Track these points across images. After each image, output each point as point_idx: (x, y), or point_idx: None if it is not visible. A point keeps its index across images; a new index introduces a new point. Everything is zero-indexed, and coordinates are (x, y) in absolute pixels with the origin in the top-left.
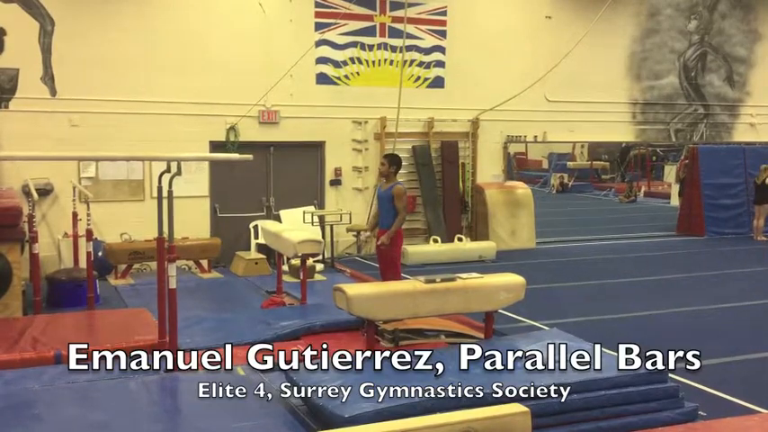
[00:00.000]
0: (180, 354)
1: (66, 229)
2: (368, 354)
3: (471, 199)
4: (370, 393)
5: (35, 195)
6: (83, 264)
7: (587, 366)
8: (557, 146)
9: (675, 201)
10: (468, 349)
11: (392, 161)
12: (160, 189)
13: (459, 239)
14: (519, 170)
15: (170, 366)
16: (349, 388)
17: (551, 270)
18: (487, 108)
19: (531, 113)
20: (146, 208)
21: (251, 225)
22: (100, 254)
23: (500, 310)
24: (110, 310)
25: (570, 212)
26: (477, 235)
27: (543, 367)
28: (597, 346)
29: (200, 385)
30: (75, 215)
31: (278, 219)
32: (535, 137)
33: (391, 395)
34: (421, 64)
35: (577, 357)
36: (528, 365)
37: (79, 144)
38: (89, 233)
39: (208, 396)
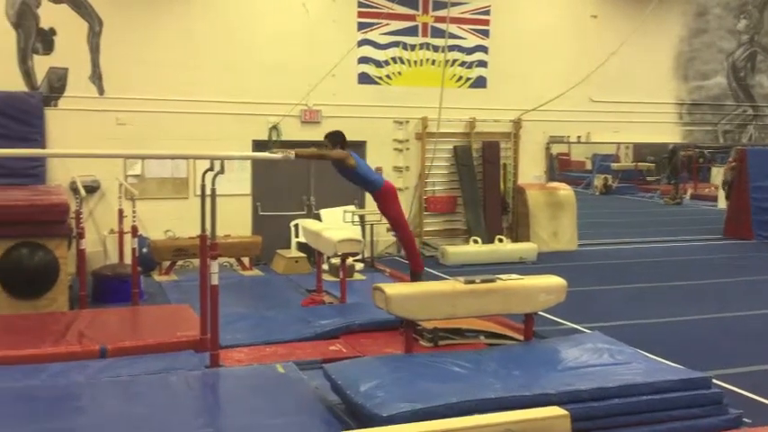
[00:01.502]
0: (221, 350)
1: (112, 226)
2: (407, 353)
3: (512, 200)
4: (408, 393)
5: (82, 192)
6: (128, 260)
7: (629, 371)
8: (601, 147)
9: (722, 203)
10: (508, 350)
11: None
12: (203, 187)
13: (500, 240)
14: (561, 171)
15: (211, 362)
16: (387, 387)
17: (593, 272)
18: (530, 108)
19: (574, 114)
20: (189, 205)
21: (292, 224)
22: (144, 250)
23: (540, 313)
24: (153, 306)
25: (614, 214)
26: (518, 236)
27: (584, 370)
28: (639, 351)
29: (240, 381)
30: (120, 212)
31: (318, 218)
32: (578, 137)
33: (430, 395)
34: (463, 64)
35: (619, 361)
36: (568, 368)
37: (125, 142)
38: (134, 230)
39: (247, 392)
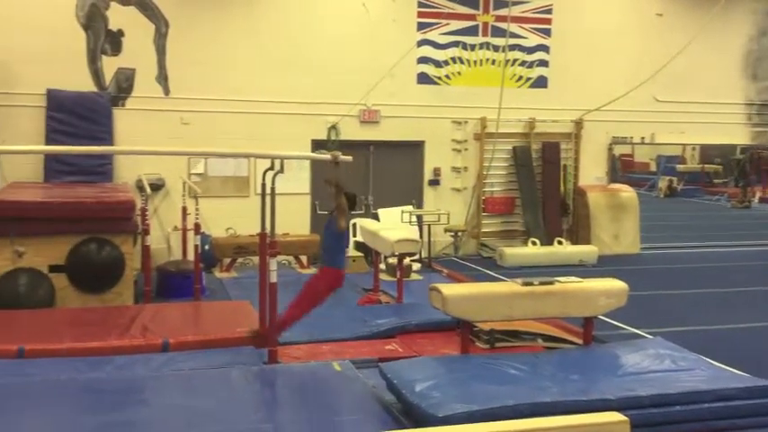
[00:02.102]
0: (279, 347)
1: (175, 223)
2: (463, 354)
3: (572, 201)
4: (464, 394)
5: (148, 190)
6: (190, 256)
7: (691, 377)
8: (666, 148)
9: None
10: (566, 354)
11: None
12: (264, 186)
13: (559, 242)
14: (624, 173)
15: (269, 358)
16: (443, 388)
17: (656, 276)
18: (592, 108)
19: (638, 114)
20: (250, 204)
21: (349, 223)
22: (206, 247)
23: (601, 317)
24: (214, 302)
25: (678, 217)
26: (578, 238)
27: (645, 376)
28: (703, 357)
29: (298, 378)
30: (184, 209)
31: (376, 217)
32: (642, 138)
33: (486, 397)
34: (523, 63)
35: (681, 368)
36: (628, 374)
37: (189, 141)
38: (197, 227)
39: (304, 389)
